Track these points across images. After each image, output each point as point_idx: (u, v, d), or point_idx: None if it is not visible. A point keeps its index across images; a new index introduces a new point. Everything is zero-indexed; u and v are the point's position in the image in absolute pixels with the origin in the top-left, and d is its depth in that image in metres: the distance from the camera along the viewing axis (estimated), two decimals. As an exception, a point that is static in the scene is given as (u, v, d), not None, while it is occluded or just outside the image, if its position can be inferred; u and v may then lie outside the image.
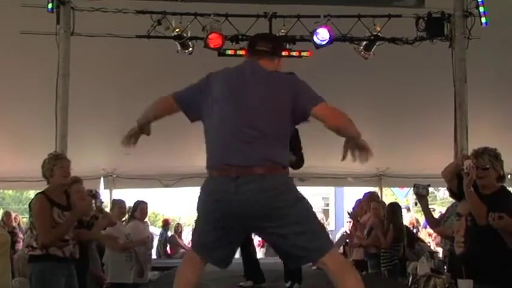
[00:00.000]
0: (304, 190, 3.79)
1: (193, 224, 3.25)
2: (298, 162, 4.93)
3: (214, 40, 7.08)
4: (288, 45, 7.19)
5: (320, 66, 7.83)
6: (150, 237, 7.98)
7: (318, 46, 7.21)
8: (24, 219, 12.54)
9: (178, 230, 12.72)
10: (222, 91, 3.11)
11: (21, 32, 6.84)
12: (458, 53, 7.11)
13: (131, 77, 8.52)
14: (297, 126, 3.47)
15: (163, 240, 12.36)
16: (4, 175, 10.79)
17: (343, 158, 3.11)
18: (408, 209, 14.85)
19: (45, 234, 4.51)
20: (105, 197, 10.22)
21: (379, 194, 11.18)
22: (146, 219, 8.05)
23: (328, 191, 22.37)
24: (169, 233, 12.66)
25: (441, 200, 22.73)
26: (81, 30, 6.89)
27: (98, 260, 6.28)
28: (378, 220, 7.21)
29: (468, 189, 3.93)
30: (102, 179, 11.28)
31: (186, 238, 13.05)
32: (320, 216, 11.48)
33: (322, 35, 7.16)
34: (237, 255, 4.08)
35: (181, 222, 15.62)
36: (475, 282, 3.78)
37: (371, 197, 8.03)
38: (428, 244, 10.04)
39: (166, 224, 13.11)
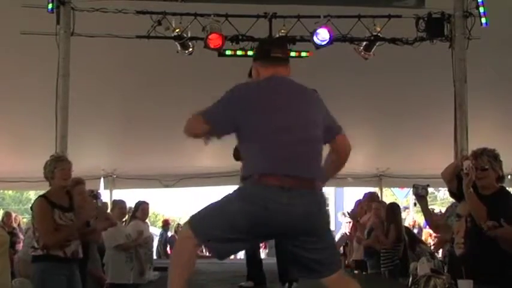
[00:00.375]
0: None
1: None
2: None
3: (214, 40, 7.08)
4: (288, 45, 7.20)
5: (320, 66, 7.84)
6: (151, 237, 7.99)
7: (318, 46, 7.21)
8: (24, 220, 12.54)
9: (178, 230, 12.67)
10: (263, 103, 3.00)
11: (21, 32, 6.86)
12: (458, 53, 7.12)
13: (131, 77, 8.52)
14: None
15: (164, 240, 12.39)
16: (4, 175, 10.81)
17: None
18: (406, 209, 14.84)
19: (48, 236, 4.53)
20: (105, 197, 10.21)
21: (379, 194, 11.16)
22: (146, 220, 8.06)
23: (328, 191, 22.36)
24: (170, 233, 12.69)
25: (441, 200, 22.76)
26: (81, 31, 6.90)
27: (98, 260, 6.28)
28: (378, 220, 7.21)
29: (468, 190, 3.92)
30: (102, 179, 11.25)
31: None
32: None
33: (322, 35, 7.17)
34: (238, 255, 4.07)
35: (181, 223, 15.59)
36: (475, 283, 3.77)
37: (371, 198, 8.03)
38: (429, 245, 10.01)
39: (166, 224, 13.14)
